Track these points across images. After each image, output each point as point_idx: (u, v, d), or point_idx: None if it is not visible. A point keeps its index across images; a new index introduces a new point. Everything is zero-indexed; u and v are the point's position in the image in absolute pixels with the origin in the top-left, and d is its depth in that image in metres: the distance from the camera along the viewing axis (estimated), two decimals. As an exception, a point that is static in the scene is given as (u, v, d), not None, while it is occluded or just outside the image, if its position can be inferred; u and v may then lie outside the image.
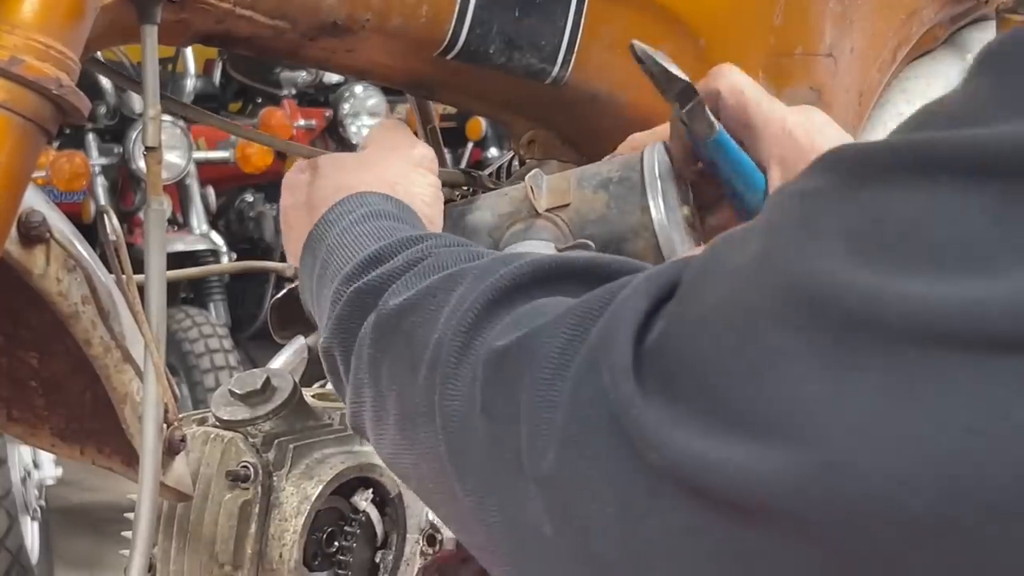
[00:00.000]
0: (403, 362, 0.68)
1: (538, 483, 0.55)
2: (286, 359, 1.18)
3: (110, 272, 0.91)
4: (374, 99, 4.97)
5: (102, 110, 4.18)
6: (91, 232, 0.94)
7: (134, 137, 4.05)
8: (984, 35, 1.42)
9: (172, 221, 4.19)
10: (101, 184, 4.12)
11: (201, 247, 4.23)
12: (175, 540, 1.05)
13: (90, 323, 0.88)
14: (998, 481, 0.40)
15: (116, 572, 1.74)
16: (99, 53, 0.94)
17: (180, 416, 0.92)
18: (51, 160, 3.87)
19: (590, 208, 0.96)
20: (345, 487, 1.06)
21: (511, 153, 1.19)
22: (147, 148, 0.84)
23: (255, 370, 1.11)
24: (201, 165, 4.35)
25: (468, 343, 0.62)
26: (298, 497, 1.03)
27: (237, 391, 1.07)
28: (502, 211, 1.00)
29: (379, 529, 1.08)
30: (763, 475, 0.44)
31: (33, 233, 0.83)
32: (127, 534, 0.91)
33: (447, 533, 1.08)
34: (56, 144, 4.02)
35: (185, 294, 4.21)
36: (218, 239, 4.33)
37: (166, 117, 3.97)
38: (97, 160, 4.12)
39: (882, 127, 1.33)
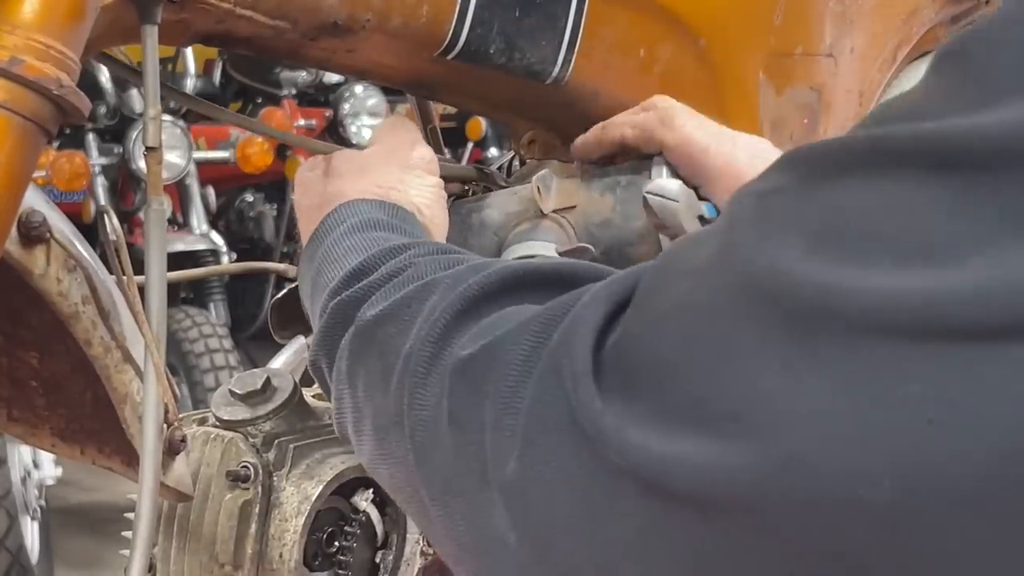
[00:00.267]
0: (376, 372, 0.68)
1: (501, 491, 0.55)
2: (286, 359, 1.18)
3: (110, 272, 0.91)
4: (374, 99, 4.97)
5: (102, 110, 4.17)
6: (91, 232, 0.94)
7: (134, 137, 4.04)
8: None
9: (172, 221, 4.19)
10: (101, 184, 4.12)
11: (201, 247, 4.22)
12: (175, 540, 1.05)
13: (90, 323, 0.87)
14: (957, 472, 0.40)
15: (116, 572, 1.74)
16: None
17: (180, 416, 0.92)
18: (51, 160, 3.87)
19: (596, 211, 0.97)
20: (345, 487, 1.06)
21: (511, 153, 1.19)
22: (147, 148, 0.84)
23: (255, 370, 1.11)
24: (201, 165, 4.35)
25: (437, 353, 0.62)
26: (298, 497, 1.03)
27: (237, 391, 1.07)
28: (510, 210, 1.00)
29: (379, 529, 1.08)
30: (722, 471, 0.44)
31: (33, 233, 0.83)
32: (127, 534, 0.91)
33: (447, 533, 1.08)
34: (56, 144, 4.02)
35: (185, 294, 4.21)
36: (218, 239, 4.32)
37: (166, 117, 3.97)
38: (97, 160, 4.12)
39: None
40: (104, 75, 4.12)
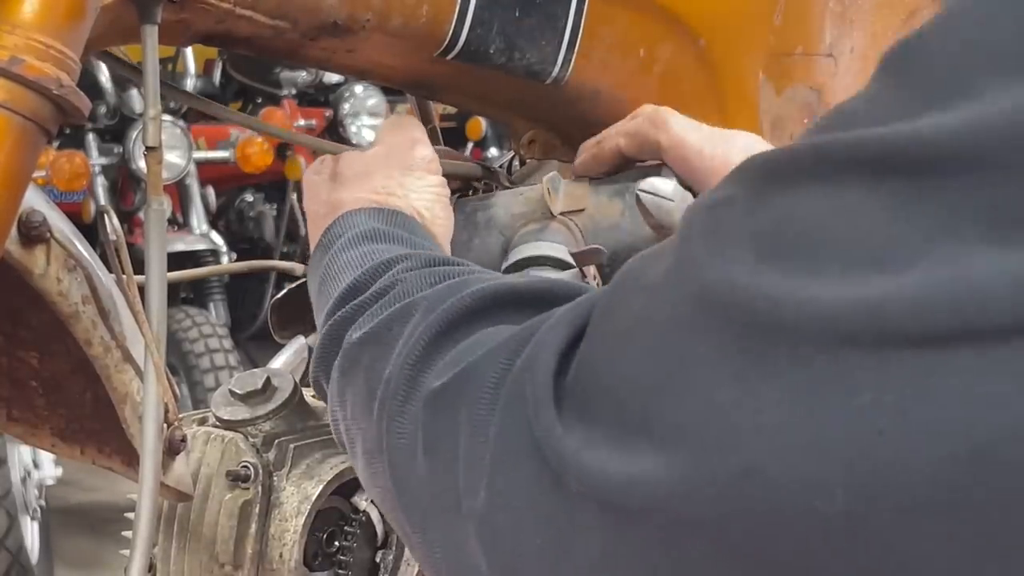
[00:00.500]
0: (362, 396, 0.69)
1: (472, 520, 0.55)
2: (286, 359, 1.18)
3: (110, 272, 0.91)
4: (374, 99, 4.97)
5: (102, 110, 4.17)
6: (91, 232, 0.94)
7: (134, 137, 4.04)
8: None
9: (172, 221, 4.19)
10: (101, 184, 4.12)
11: (201, 247, 4.23)
12: (175, 540, 1.05)
13: (90, 323, 0.88)
14: (908, 480, 0.39)
15: (116, 572, 1.74)
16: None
17: (180, 416, 0.92)
18: (51, 160, 3.87)
19: (604, 215, 0.97)
20: (345, 487, 1.06)
21: (511, 153, 1.19)
22: (147, 148, 0.84)
23: (255, 370, 1.11)
24: (201, 165, 4.35)
25: (413, 380, 0.63)
26: (298, 497, 1.03)
27: (237, 391, 1.07)
28: (516, 211, 1.00)
29: (379, 529, 1.08)
30: (680, 486, 0.44)
31: (33, 233, 0.83)
32: (127, 534, 0.91)
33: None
34: (56, 144, 4.02)
35: (185, 294, 4.21)
36: (218, 239, 4.33)
37: (166, 117, 3.97)
38: (97, 160, 4.12)
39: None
40: (104, 75, 4.13)
